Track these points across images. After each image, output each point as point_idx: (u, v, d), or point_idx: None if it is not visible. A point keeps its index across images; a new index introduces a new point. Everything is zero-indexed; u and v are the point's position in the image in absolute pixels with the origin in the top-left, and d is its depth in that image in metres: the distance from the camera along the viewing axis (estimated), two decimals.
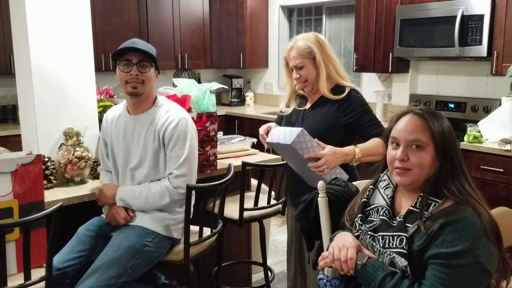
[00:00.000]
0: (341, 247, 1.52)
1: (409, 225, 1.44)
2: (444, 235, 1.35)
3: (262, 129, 2.45)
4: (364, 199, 1.63)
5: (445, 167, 1.44)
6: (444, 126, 1.46)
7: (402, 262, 1.40)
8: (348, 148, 2.21)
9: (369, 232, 1.53)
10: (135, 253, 2.12)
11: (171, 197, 2.20)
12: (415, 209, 1.45)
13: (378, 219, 1.52)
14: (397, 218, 1.48)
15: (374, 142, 2.23)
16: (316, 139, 2.12)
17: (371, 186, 1.64)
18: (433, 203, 1.43)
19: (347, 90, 2.31)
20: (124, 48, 2.21)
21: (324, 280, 1.54)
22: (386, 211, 1.52)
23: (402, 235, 1.42)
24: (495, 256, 1.36)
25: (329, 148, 2.14)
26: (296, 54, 2.30)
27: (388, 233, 1.46)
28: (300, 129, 2.09)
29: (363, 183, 2.01)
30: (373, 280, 1.41)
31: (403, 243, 1.41)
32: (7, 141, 4.32)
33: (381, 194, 1.58)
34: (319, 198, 1.79)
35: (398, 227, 1.45)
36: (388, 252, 1.44)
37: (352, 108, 2.30)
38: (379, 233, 1.49)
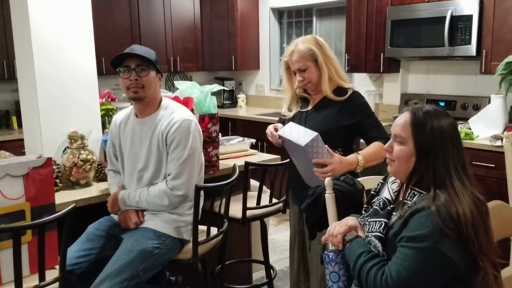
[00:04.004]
0: (337, 224, 1.70)
1: (395, 213, 1.56)
2: (411, 221, 1.45)
3: (270, 126, 2.48)
4: (372, 192, 1.77)
5: (422, 163, 1.52)
6: (432, 125, 1.52)
7: (376, 244, 1.54)
8: (352, 157, 2.26)
9: (365, 220, 1.67)
10: (147, 256, 2.15)
11: (169, 200, 2.22)
12: (404, 200, 1.56)
13: (372, 209, 1.66)
14: (389, 207, 1.60)
15: (376, 146, 2.29)
16: (327, 145, 2.16)
17: (381, 180, 1.78)
18: (418, 194, 1.53)
19: (349, 92, 2.37)
20: (122, 55, 2.24)
21: (324, 253, 1.69)
22: (382, 202, 1.65)
23: (383, 221, 1.57)
24: (461, 251, 1.41)
25: (337, 157, 2.19)
26: (298, 57, 2.35)
27: (373, 219, 1.61)
28: (315, 133, 2.13)
29: (370, 179, 2.08)
30: (354, 255, 1.57)
31: (381, 228, 1.55)
32: (1, 147, 4.32)
33: (388, 188, 1.69)
34: (326, 194, 1.85)
35: (383, 214, 1.59)
36: (370, 236, 1.58)
37: (354, 110, 2.36)
38: (369, 219, 1.63)
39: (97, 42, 4.91)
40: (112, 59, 2.25)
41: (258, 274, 3.59)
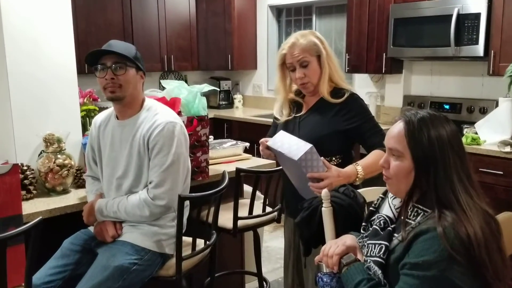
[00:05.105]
0: (333, 243, 1.51)
1: (397, 235, 1.38)
2: (415, 245, 1.28)
3: (263, 140, 2.27)
4: (371, 208, 1.58)
5: (423, 178, 1.34)
6: (429, 134, 1.33)
7: (376, 271, 1.37)
8: (351, 169, 2.03)
9: (364, 242, 1.50)
10: (123, 273, 1.95)
11: (150, 210, 2.03)
12: (406, 219, 1.38)
13: (372, 228, 1.48)
14: (390, 228, 1.42)
15: (376, 155, 2.05)
16: (322, 157, 1.95)
17: (381, 195, 1.59)
18: (422, 212, 1.34)
19: (347, 94, 2.15)
20: (98, 52, 2.04)
21: (318, 276, 1.52)
22: (382, 221, 1.46)
23: (383, 244, 1.38)
24: (474, 278, 1.23)
25: (333, 170, 1.97)
26: (301, 50, 2.10)
27: (372, 241, 1.42)
28: (309, 145, 1.91)
29: (372, 190, 1.90)
30: (352, 282, 1.39)
31: (381, 252, 1.37)
32: None
33: (389, 204, 1.50)
34: (323, 208, 1.66)
35: (383, 236, 1.40)
36: (369, 261, 1.40)
37: (352, 113, 2.13)
38: (367, 242, 1.45)
39: (88, 39, 4.86)
40: (86, 56, 2.05)
41: (252, 284, 3.39)
